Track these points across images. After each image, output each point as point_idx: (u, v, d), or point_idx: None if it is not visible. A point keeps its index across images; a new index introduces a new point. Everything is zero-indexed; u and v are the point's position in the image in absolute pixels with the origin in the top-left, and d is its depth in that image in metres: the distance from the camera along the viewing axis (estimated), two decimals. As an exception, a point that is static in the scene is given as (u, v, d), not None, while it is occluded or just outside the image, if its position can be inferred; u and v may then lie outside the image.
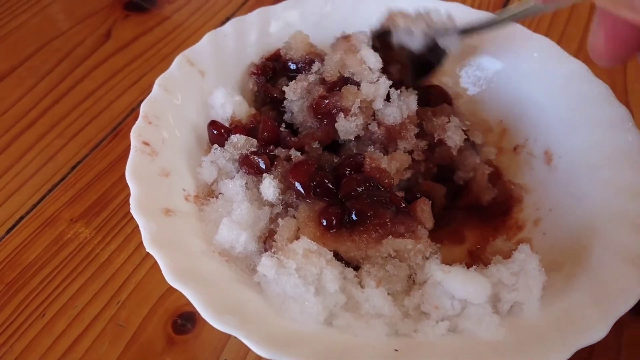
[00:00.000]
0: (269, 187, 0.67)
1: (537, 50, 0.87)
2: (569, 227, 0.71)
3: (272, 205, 0.69)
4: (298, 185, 0.66)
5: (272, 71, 0.87)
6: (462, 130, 0.76)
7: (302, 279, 0.60)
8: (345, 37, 0.81)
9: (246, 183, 0.71)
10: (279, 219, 0.66)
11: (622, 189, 0.70)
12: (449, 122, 0.75)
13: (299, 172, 0.66)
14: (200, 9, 1.24)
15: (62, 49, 1.15)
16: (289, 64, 0.85)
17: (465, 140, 0.76)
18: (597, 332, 0.55)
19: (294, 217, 0.67)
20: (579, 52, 1.12)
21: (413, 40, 0.79)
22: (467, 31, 0.80)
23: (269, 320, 0.58)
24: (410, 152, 0.74)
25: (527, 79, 0.87)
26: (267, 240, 0.66)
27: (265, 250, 0.65)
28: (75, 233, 0.84)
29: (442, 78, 0.91)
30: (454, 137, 0.74)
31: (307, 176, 0.65)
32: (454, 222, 0.77)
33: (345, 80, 0.77)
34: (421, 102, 0.80)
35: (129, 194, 0.64)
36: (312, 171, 0.66)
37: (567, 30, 1.18)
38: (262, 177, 0.69)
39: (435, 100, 0.81)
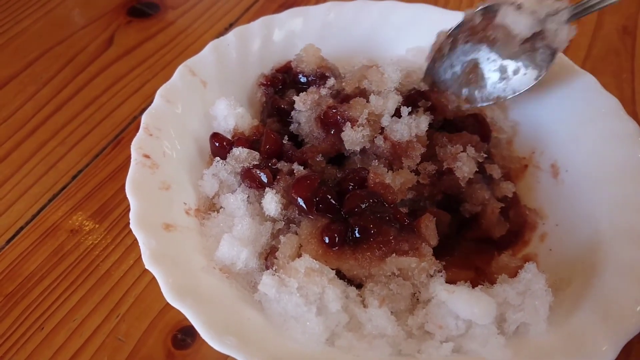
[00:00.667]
0: (271, 202, 0.66)
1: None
2: (575, 244, 0.70)
3: (274, 220, 0.68)
4: (300, 201, 0.64)
5: (282, 83, 0.86)
6: (479, 162, 0.73)
7: (304, 298, 0.59)
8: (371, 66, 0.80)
9: (248, 197, 0.70)
10: (281, 235, 0.65)
11: (631, 204, 0.68)
12: (464, 151, 0.73)
13: (302, 187, 0.65)
14: (203, 15, 1.23)
15: (65, 55, 1.14)
16: (300, 76, 0.85)
17: (478, 172, 0.73)
18: (605, 355, 0.54)
19: (296, 233, 0.66)
20: (586, 61, 1.11)
21: (519, 20, 0.74)
22: (578, 14, 0.75)
23: (270, 341, 0.57)
24: (417, 173, 0.72)
25: (534, 91, 0.85)
26: (268, 257, 0.65)
27: (267, 268, 0.64)
28: (76, 244, 0.83)
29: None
30: (463, 168, 0.71)
31: (309, 192, 0.64)
32: (458, 252, 0.75)
33: (362, 92, 0.77)
34: (453, 129, 0.79)
35: (129, 205, 0.64)
36: (315, 186, 0.65)
37: (574, 40, 1.16)
38: (264, 191, 0.69)
39: (470, 129, 0.79)
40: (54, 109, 1.03)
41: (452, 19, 0.93)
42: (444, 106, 0.76)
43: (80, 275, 0.79)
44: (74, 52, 1.15)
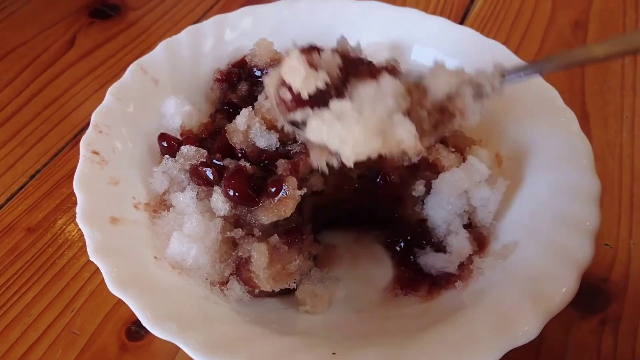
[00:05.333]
0: (218, 202, 0.68)
1: (489, 54, 0.89)
2: (512, 227, 0.73)
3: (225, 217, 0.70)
4: (240, 199, 0.67)
5: (237, 77, 0.87)
6: None
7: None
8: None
9: (197, 194, 0.71)
10: (245, 245, 0.67)
11: (566, 190, 0.71)
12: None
13: (235, 183, 0.66)
14: (165, 16, 1.24)
15: (26, 57, 1.15)
16: (254, 70, 0.86)
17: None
18: (529, 332, 0.57)
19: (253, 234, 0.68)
20: (538, 54, 1.15)
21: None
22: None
23: (213, 326, 0.59)
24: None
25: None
26: (241, 269, 0.67)
27: (245, 283, 0.67)
28: (33, 242, 0.84)
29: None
30: None
31: (244, 185, 0.66)
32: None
33: None
34: None
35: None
36: (246, 178, 0.66)
37: (527, 33, 1.20)
38: (212, 188, 0.70)
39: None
40: (14, 110, 1.04)
41: (404, 17, 0.96)
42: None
43: (36, 272, 0.80)
44: (36, 54, 1.15)
